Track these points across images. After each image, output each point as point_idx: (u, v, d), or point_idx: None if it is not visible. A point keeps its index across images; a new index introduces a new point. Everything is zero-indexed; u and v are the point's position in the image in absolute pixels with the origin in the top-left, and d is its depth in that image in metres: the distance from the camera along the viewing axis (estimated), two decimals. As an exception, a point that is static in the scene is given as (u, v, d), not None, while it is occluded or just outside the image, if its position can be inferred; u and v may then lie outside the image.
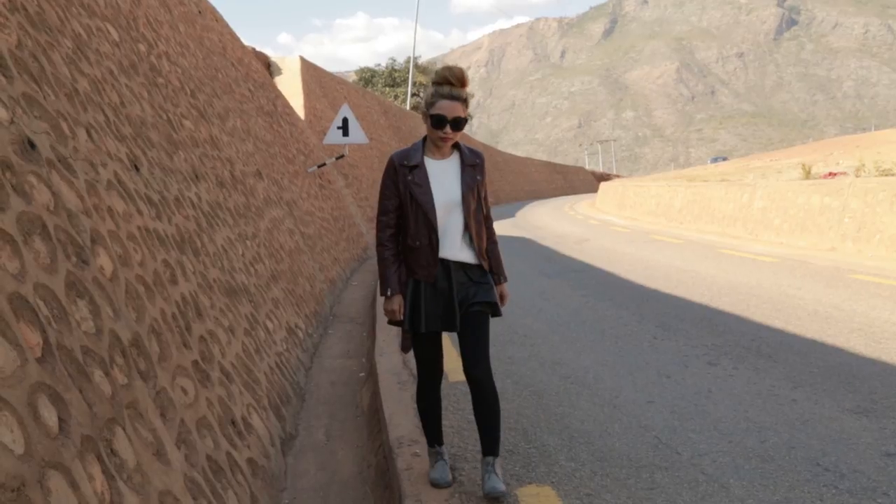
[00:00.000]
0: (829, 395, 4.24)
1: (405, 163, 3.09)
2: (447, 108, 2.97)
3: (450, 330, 3.10)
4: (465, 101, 3.00)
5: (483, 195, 3.18)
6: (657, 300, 7.66)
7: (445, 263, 3.08)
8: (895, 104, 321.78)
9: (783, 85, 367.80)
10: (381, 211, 3.17)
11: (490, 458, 3.09)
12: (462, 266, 3.11)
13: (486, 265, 3.15)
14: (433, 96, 3.00)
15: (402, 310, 3.12)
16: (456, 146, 3.16)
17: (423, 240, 3.05)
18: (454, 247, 3.08)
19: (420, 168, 3.07)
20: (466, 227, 3.09)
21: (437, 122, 2.99)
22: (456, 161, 3.14)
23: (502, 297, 3.27)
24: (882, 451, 3.40)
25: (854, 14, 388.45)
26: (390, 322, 3.21)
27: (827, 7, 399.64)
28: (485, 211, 3.20)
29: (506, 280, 3.29)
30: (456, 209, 3.07)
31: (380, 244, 3.17)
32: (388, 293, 3.13)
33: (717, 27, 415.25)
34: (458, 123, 3.00)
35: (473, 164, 3.14)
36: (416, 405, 3.46)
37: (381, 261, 3.16)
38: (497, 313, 3.19)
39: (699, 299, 7.53)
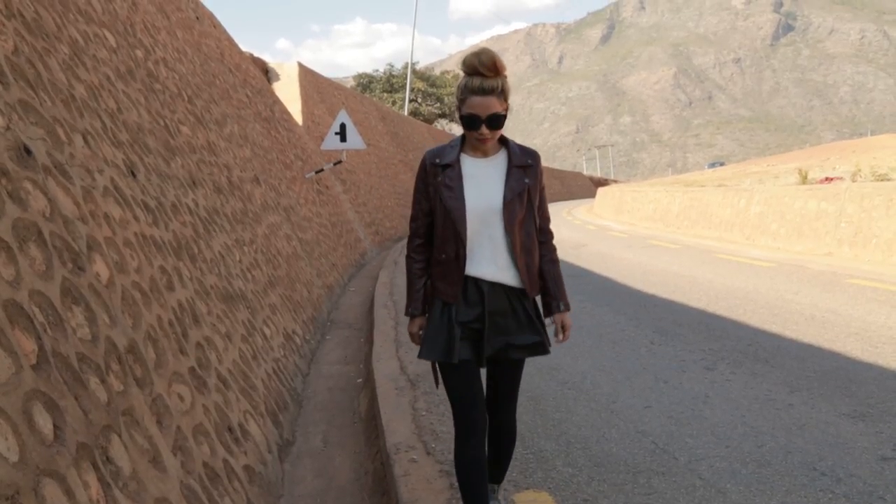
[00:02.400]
0: (826, 400, 4.24)
1: (437, 161, 2.60)
2: (479, 104, 2.46)
3: (474, 362, 2.60)
4: (501, 93, 2.48)
5: (538, 203, 2.65)
6: (654, 305, 7.66)
7: (479, 283, 2.56)
8: (891, 109, 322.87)
9: (780, 90, 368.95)
10: (412, 217, 2.73)
11: (494, 486, 2.88)
12: (503, 289, 2.57)
13: (533, 291, 2.62)
14: (463, 91, 2.50)
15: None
16: (504, 143, 2.65)
17: (450, 252, 2.55)
18: (492, 264, 2.55)
19: (454, 167, 2.57)
20: (510, 242, 2.55)
21: (470, 123, 2.49)
22: (501, 161, 2.61)
23: (564, 329, 2.70)
24: (878, 456, 3.40)
25: (850, 20, 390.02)
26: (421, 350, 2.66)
27: (823, 13, 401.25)
28: (538, 223, 2.66)
29: (568, 308, 2.70)
30: (495, 218, 2.55)
31: (407, 255, 2.74)
32: (411, 312, 2.70)
33: (714, 33, 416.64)
34: (496, 121, 2.49)
35: (524, 166, 2.60)
36: (453, 460, 2.71)
37: (408, 274, 2.73)
38: (543, 351, 2.62)
39: (696, 304, 7.53)
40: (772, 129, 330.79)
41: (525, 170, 2.59)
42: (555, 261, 2.73)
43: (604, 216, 28.72)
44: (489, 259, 2.55)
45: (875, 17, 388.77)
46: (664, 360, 5.37)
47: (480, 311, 2.55)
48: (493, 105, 2.46)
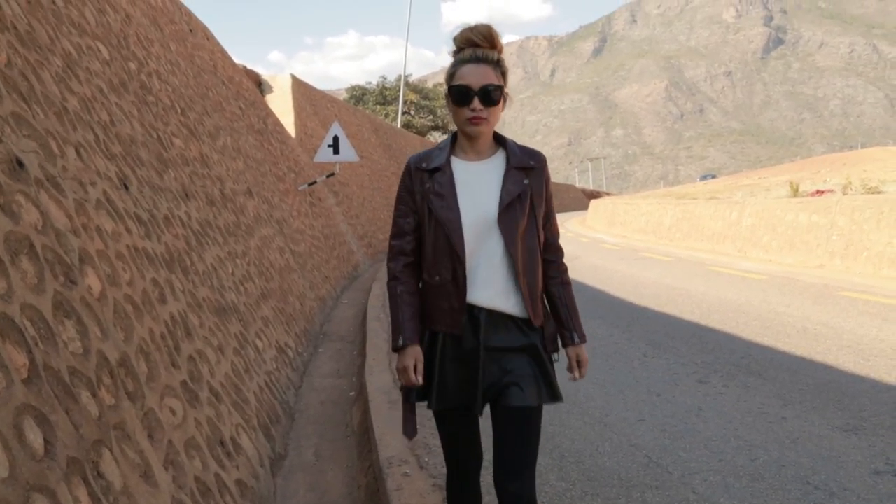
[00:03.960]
0: (819, 413, 4.25)
1: (424, 165, 2.18)
2: (472, 74, 2.06)
3: (467, 409, 2.17)
4: (497, 65, 2.10)
5: (544, 212, 2.22)
6: (647, 318, 7.67)
7: (473, 311, 2.12)
8: (881, 122, 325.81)
9: (771, 103, 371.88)
10: (395, 233, 2.25)
11: None
12: (503, 319, 2.13)
13: (537, 319, 2.17)
14: (453, 66, 2.12)
15: (420, 367, 2.13)
16: (502, 143, 2.23)
17: (445, 273, 2.12)
18: (488, 287, 2.11)
19: (444, 172, 2.15)
20: (510, 259, 2.11)
21: (460, 95, 2.07)
22: (499, 162, 2.19)
23: (580, 364, 2.27)
24: (871, 469, 3.41)
25: (839, 34, 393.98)
26: (405, 390, 2.21)
27: (813, 27, 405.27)
28: (542, 236, 2.22)
29: (583, 339, 2.27)
30: (492, 231, 2.11)
31: (391, 277, 2.24)
32: (401, 343, 2.14)
33: (706, 46, 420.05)
34: (491, 94, 2.06)
35: (525, 167, 2.17)
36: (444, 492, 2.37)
37: (392, 299, 2.21)
38: (555, 397, 2.20)
39: (689, 317, 7.55)
40: (763, 142, 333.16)
41: (526, 172, 2.17)
42: (567, 283, 2.29)
43: (596, 228, 28.81)
44: (484, 280, 2.11)
45: (864, 31, 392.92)
46: (657, 372, 5.38)
47: (475, 343, 2.12)
48: (488, 75, 2.07)
